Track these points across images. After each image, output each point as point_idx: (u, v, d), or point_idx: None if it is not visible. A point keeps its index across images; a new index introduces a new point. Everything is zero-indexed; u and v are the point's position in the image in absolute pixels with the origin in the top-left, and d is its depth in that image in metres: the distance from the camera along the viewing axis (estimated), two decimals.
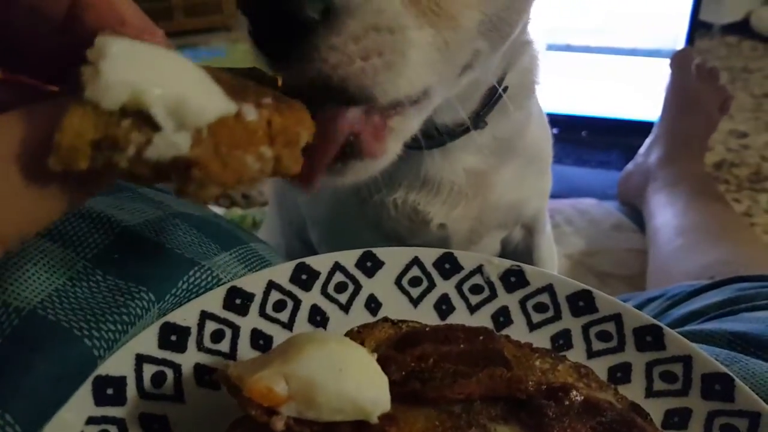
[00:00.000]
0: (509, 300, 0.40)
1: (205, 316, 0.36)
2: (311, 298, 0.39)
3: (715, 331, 0.47)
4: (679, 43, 1.43)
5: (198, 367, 0.35)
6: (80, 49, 0.21)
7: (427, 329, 0.35)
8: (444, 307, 0.40)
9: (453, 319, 0.39)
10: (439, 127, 0.52)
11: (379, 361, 0.30)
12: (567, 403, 0.31)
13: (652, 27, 1.47)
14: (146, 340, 0.34)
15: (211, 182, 0.22)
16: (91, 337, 0.32)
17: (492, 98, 0.53)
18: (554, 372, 0.34)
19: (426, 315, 0.39)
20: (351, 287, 0.40)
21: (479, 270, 0.40)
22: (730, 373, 0.34)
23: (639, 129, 1.42)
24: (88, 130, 0.20)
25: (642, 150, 1.32)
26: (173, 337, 0.35)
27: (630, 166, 1.33)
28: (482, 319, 0.39)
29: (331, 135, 0.31)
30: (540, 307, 0.39)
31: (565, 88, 1.54)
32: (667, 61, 1.31)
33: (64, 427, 0.30)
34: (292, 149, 0.25)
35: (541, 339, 0.38)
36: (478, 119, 0.53)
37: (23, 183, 0.21)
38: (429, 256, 0.41)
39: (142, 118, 0.21)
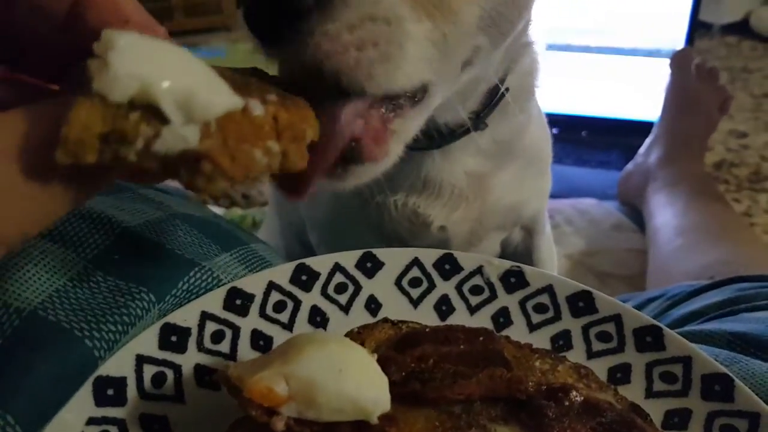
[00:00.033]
0: (509, 301, 0.40)
1: (205, 316, 0.36)
2: (311, 298, 0.39)
3: (714, 331, 0.47)
4: (679, 43, 1.43)
5: (198, 368, 0.35)
6: (82, 47, 0.21)
7: (427, 330, 0.36)
8: (444, 307, 0.40)
9: (453, 320, 0.39)
10: (439, 128, 0.52)
11: (379, 361, 0.31)
12: (567, 403, 0.31)
13: (652, 27, 1.47)
14: (147, 341, 0.34)
15: (220, 176, 0.22)
16: (91, 337, 0.32)
17: (493, 99, 0.52)
18: (554, 373, 0.34)
19: (426, 316, 0.39)
20: (351, 288, 0.40)
21: (479, 271, 0.40)
22: (730, 374, 0.34)
23: (639, 129, 1.42)
24: (96, 123, 0.20)
25: (642, 150, 1.32)
26: (173, 338, 0.35)
27: (630, 166, 1.33)
28: (482, 319, 0.39)
29: (330, 143, 0.31)
30: (540, 308, 0.39)
31: (565, 88, 1.53)
32: (667, 61, 1.31)
33: (64, 428, 0.30)
34: (298, 145, 0.25)
35: (541, 340, 0.38)
36: (478, 120, 0.53)
37: (26, 181, 0.21)
38: (429, 256, 0.41)
39: (150, 111, 0.21)
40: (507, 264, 0.40)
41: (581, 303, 0.39)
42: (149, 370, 0.33)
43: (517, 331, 0.39)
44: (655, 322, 0.37)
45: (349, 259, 0.40)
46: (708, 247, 0.97)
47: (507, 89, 0.52)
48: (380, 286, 0.40)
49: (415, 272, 0.41)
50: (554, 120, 0.70)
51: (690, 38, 1.44)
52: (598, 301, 0.38)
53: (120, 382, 0.32)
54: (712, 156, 1.51)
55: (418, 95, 0.37)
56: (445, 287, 0.40)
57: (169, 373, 0.34)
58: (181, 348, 0.35)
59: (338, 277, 0.40)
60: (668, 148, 1.25)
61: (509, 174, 0.61)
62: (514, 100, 0.53)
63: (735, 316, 0.52)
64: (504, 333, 0.38)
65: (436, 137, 0.52)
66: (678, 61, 1.28)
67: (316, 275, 0.39)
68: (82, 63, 0.21)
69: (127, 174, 0.23)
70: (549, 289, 0.39)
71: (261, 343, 0.37)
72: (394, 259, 0.41)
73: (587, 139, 1.55)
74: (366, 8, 0.30)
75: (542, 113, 0.65)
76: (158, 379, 0.34)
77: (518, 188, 0.63)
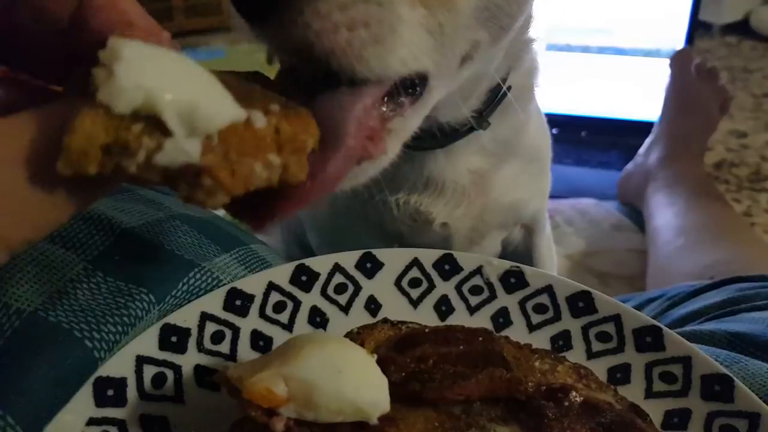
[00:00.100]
0: (509, 301, 0.40)
1: (205, 317, 0.36)
2: (311, 299, 0.39)
3: (714, 331, 0.47)
4: (679, 43, 1.43)
5: (198, 369, 0.35)
6: (85, 50, 0.21)
7: (427, 330, 0.36)
8: (444, 308, 0.40)
9: (453, 320, 0.39)
10: (442, 127, 0.52)
11: (378, 362, 0.31)
12: (566, 404, 0.31)
13: (652, 27, 1.47)
14: (146, 342, 0.34)
15: (220, 190, 0.22)
16: (91, 338, 0.32)
17: (495, 98, 0.52)
18: (554, 373, 0.34)
19: (426, 316, 0.39)
20: (351, 288, 0.40)
21: (479, 271, 0.40)
22: (730, 374, 0.34)
23: (639, 129, 1.42)
24: (99, 134, 0.20)
25: (642, 150, 1.31)
26: (173, 339, 0.35)
27: (630, 166, 1.33)
28: (482, 320, 0.39)
29: (333, 174, 0.29)
30: (539, 308, 0.39)
31: (565, 88, 1.53)
32: (667, 61, 1.31)
33: (64, 428, 0.30)
34: (299, 157, 0.25)
35: (541, 340, 0.38)
36: (481, 119, 0.53)
37: (30, 187, 0.21)
38: (428, 257, 0.41)
39: (153, 122, 0.21)
40: (507, 264, 0.40)
41: (581, 303, 0.39)
42: (149, 371, 0.34)
43: (517, 332, 0.39)
44: (654, 322, 0.37)
45: (348, 259, 0.40)
46: (708, 248, 0.97)
47: (509, 88, 0.52)
48: (380, 286, 0.40)
49: (415, 272, 0.41)
50: (554, 120, 0.70)
51: (690, 38, 1.44)
52: (597, 302, 0.38)
53: (120, 383, 0.32)
54: (712, 156, 1.51)
55: (418, 89, 0.37)
56: (445, 287, 0.40)
57: (169, 374, 0.34)
58: (181, 349, 0.35)
59: (338, 278, 0.40)
60: (668, 148, 1.25)
61: (510, 171, 0.61)
62: (516, 98, 0.53)
63: (735, 316, 0.52)
64: (504, 333, 0.38)
65: (440, 137, 0.52)
66: (678, 61, 1.28)
67: (315, 276, 0.39)
68: (86, 67, 0.21)
69: (127, 182, 0.23)
70: (549, 290, 0.39)
71: (261, 343, 0.37)
72: (394, 259, 0.41)
73: (587, 139, 1.55)
74: None
75: (541, 113, 0.65)
76: (158, 380, 0.34)
77: (519, 186, 0.63)
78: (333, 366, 0.28)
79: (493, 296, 0.40)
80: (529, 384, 0.32)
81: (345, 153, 0.29)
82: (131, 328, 0.34)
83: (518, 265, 0.40)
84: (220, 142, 0.22)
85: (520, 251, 0.74)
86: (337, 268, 0.40)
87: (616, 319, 0.38)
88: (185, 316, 0.36)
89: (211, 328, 0.36)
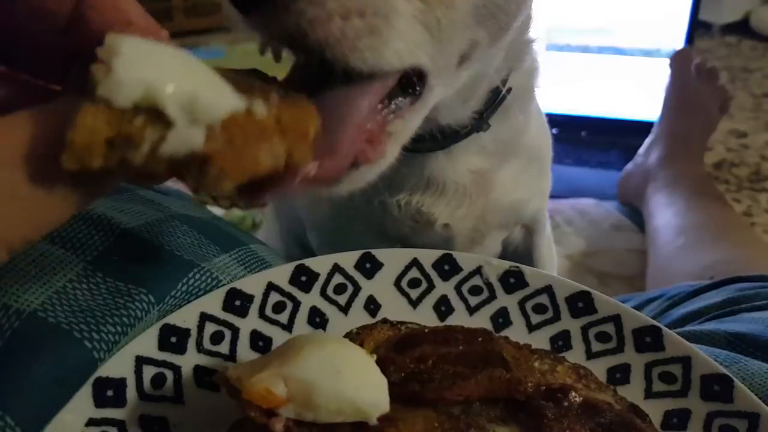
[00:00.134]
0: (508, 301, 0.40)
1: (204, 317, 0.36)
2: (310, 299, 0.39)
3: (714, 331, 0.47)
4: (679, 43, 1.43)
5: (198, 369, 0.35)
6: (83, 49, 0.21)
7: (427, 331, 0.36)
8: (443, 308, 0.40)
9: (452, 321, 0.39)
10: (443, 129, 0.52)
11: (378, 362, 0.31)
12: (566, 404, 0.31)
13: (652, 27, 1.47)
14: (146, 342, 0.34)
15: (226, 177, 0.22)
16: (91, 339, 0.32)
17: (495, 99, 0.52)
18: (553, 373, 0.34)
19: (425, 316, 0.39)
20: (350, 289, 0.40)
21: (478, 271, 0.40)
22: (730, 374, 0.34)
23: (639, 129, 1.42)
24: (102, 128, 0.20)
25: (642, 150, 1.32)
26: (173, 339, 0.35)
27: (630, 166, 1.33)
28: (481, 320, 0.39)
29: (333, 168, 0.29)
30: (539, 309, 0.39)
31: (565, 88, 1.54)
32: (667, 61, 1.31)
33: (64, 429, 0.30)
34: (302, 143, 0.25)
35: (541, 340, 0.38)
36: (481, 120, 0.53)
37: (30, 187, 0.21)
38: (428, 257, 0.41)
39: (154, 114, 0.21)
40: (506, 264, 0.40)
41: (580, 303, 0.39)
42: (149, 371, 0.34)
43: (517, 332, 0.39)
44: (654, 322, 0.37)
45: (348, 259, 0.40)
46: (708, 247, 0.97)
47: (509, 89, 0.52)
48: (379, 286, 0.40)
49: (414, 273, 0.41)
50: (554, 120, 0.70)
51: (690, 38, 1.44)
52: (597, 302, 0.38)
53: (120, 383, 0.32)
54: (712, 156, 1.51)
55: (417, 89, 0.37)
56: (445, 288, 0.40)
57: (169, 374, 0.34)
58: (180, 349, 0.35)
59: (337, 278, 0.40)
60: (668, 148, 1.25)
61: (511, 171, 0.61)
62: (516, 100, 0.53)
63: (735, 316, 0.52)
64: (503, 333, 0.38)
65: (440, 138, 0.52)
66: (678, 61, 1.28)
67: (315, 276, 0.39)
68: (85, 65, 0.21)
69: (130, 177, 0.23)
70: (548, 290, 0.39)
71: (260, 344, 0.37)
72: (393, 259, 0.41)
73: (587, 139, 1.55)
74: None
75: (542, 113, 0.65)
76: (158, 380, 0.34)
77: (519, 186, 0.63)
78: (332, 366, 0.28)
79: (492, 296, 0.40)
80: (529, 384, 0.32)
81: (344, 154, 0.29)
82: (131, 329, 0.34)
83: (518, 265, 0.40)
84: (223, 131, 0.22)
85: (521, 251, 0.74)
86: (336, 268, 0.40)
87: (616, 319, 0.38)
88: (185, 317, 0.36)
89: (210, 328, 0.36)
